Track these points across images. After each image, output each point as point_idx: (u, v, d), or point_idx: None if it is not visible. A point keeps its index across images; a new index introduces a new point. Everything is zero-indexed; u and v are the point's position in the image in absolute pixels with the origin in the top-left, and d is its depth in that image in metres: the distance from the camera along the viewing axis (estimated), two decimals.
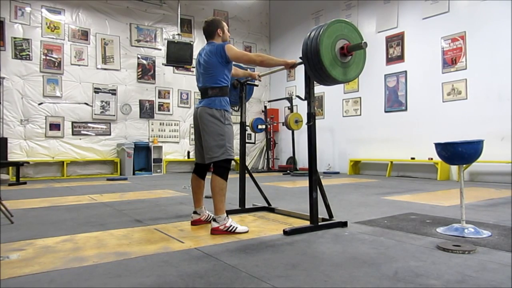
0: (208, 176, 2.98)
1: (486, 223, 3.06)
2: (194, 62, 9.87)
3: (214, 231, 2.78)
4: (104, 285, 1.76)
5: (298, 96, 9.50)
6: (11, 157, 8.12)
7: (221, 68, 2.95)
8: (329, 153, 10.09)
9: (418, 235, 2.68)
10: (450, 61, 7.50)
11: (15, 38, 8.47)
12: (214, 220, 2.81)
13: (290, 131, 9.76)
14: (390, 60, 8.69)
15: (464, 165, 2.96)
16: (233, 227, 2.80)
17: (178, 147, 10.57)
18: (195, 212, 3.18)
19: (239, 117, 3.97)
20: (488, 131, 6.59)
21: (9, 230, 3.00)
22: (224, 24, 3.16)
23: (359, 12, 9.47)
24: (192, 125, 10.50)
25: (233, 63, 3.15)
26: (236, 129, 3.87)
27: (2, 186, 6.46)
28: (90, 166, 9.33)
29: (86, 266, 2.05)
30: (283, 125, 9.74)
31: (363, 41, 2.77)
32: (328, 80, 2.84)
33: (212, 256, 2.21)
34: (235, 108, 4.09)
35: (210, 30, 3.10)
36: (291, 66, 3.05)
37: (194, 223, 3.15)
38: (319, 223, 2.94)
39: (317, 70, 2.78)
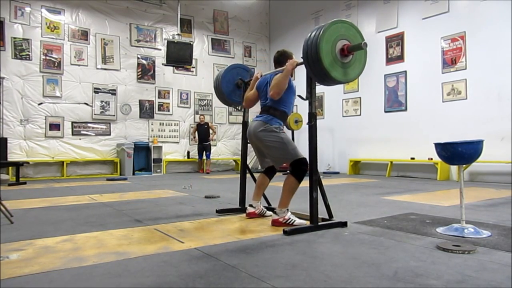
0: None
1: (486, 223, 3.06)
2: (194, 63, 9.98)
3: (275, 223, 3.00)
4: (104, 285, 1.76)
5: (299, 96, 9.47)
6: (11, 157, 8.12)
7: (286, 93, 3.11)
8: (329, 153, 10.09)
9: (418, 235, 2.68)
10: (450, 61, 7.50)
11: (15, 38, 8.47)
12: (275, 212, 3.02)
13: (290, 131, 9.75)
14: (390, 60, 8.69)
15: (464, 165, 2.96)
16: (292, 219, 3.00)
17: (178, 147, 10.58)
18: (251, 205, 3.41)
19: (242, 116, 3.99)
20: (488, 131, 6.59)
21: (9, 230, 3.00)
22: (293, 56, 3.26)
23: (359, 12, 9.47)
24: (192, 125, 10.63)
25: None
26: (238, 128, 3.89)
27: (2, 186, 6.45)
28: (90, 166, 9.33)
29: (86, 266, 2.05)
30: None
31: (363, 42, 2.77)
32: (329, 80, 2.85)
33: (212, 256, 2.21)
34: (238, 108, 4.16)
35: (280, 60, 3.25)
36: (294, 67, 3.09)
37: (249, 215, 3.39)
38: (319, 223, 2.94)
39: (317, 71, 2.78)
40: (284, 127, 3.26)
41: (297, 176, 3.02)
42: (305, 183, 2.99)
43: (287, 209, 3.04)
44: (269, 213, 3.41)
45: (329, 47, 2.72)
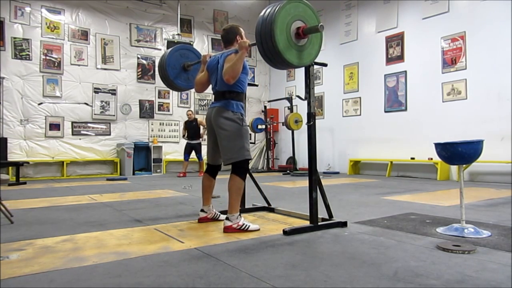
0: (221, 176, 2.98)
1: (486, 223, 3.06)
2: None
3: (227, 230, 2.82)
4: (104, 285, 1.76)
5: (298, 96, 9.48)
6: (11, 157, 8.12)
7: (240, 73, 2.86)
8: (329, 153, 10.09)
9: (418, 235, 2.68)
10: (450, 61, 7.50)
11: (15, 38, 8.46)
12: (227, 218, 2.85)
13: (290, 131, 9.76)
14: (390, 60, 8.69)
15: (464, 165, 2.96)
16: (246, 225, 2.86)
17: (178, 147, 10.56)
18: (202, 210, 3.27)
19: None
20: (488, 131, 6.59)
21: (9, 230, 3.00)
22: (242, 30, 3.12)
23: (359, 12, 9.47)
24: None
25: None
26: None
27: (2, 186, 6.45)
28: (90, 166, 9.33)
29: (86, 266, 2.05)
30: (283, 125, 9.73)
31: (320, 24, 2.60)
32: (283, 64, 2.68)
33: (212, 256, 2.21)
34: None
35: (229, 38, 3.08)
36: (248, 49, 2.89)
37: (201, 220, 3.24)
38: (319, 223, 2.94)
39: (272, 56, 2.58)
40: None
41: (241, 175, 2.92)
42: (305, 182, 2.99)
43: (240, 214, 2.89)
44: (222, 216, 3.18)
45: (284, 27, 2.53)
